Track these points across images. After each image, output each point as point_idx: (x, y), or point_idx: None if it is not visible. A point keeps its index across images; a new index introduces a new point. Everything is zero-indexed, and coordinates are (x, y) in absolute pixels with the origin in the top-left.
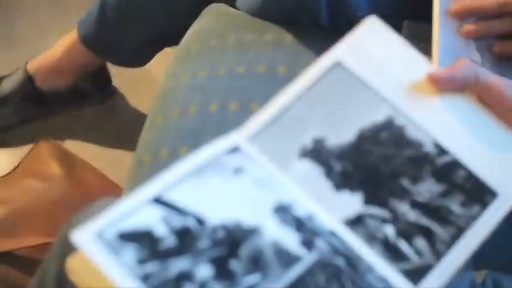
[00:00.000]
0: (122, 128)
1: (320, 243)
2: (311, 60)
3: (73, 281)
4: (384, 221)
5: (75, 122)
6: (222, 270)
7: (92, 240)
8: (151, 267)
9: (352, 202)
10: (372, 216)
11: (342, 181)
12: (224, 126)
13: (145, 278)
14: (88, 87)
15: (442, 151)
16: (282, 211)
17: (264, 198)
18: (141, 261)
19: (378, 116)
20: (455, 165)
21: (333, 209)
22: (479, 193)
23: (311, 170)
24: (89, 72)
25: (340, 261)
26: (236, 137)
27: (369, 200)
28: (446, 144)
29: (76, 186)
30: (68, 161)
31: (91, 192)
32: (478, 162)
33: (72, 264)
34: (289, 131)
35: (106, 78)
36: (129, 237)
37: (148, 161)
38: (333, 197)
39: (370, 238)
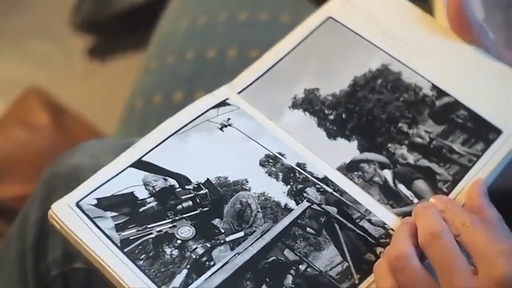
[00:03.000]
0: None
1: (310, 193)
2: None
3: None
4: (382, 166)
5: None
6: (204, 231)
7: (70, 211)
8: (130, 231)
9: (347, 149)
10: (369, 162)
11: (336, 130)
12: (221, 73)
13: (124, 243)
14: None
15: (440, 93)
16: (270, 162)
17: (251, 151)
18: (120, 227)
19: (372, 64)
20: (455, 105)
21: (327, 156)
22: (482, 131)
23: (303, 120)
24: None
25: (331, 209)
26: (225, 90)
27: (365, 147)
28: (445, 86)
29: (63, 137)
30: (56, 111)
31: (78, 142)
32: (479, 101)
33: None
34: (280, 83)
35: None
36: (108, 204)
37: (139, 107)
38: (326, 146)
39: (368, 183)
